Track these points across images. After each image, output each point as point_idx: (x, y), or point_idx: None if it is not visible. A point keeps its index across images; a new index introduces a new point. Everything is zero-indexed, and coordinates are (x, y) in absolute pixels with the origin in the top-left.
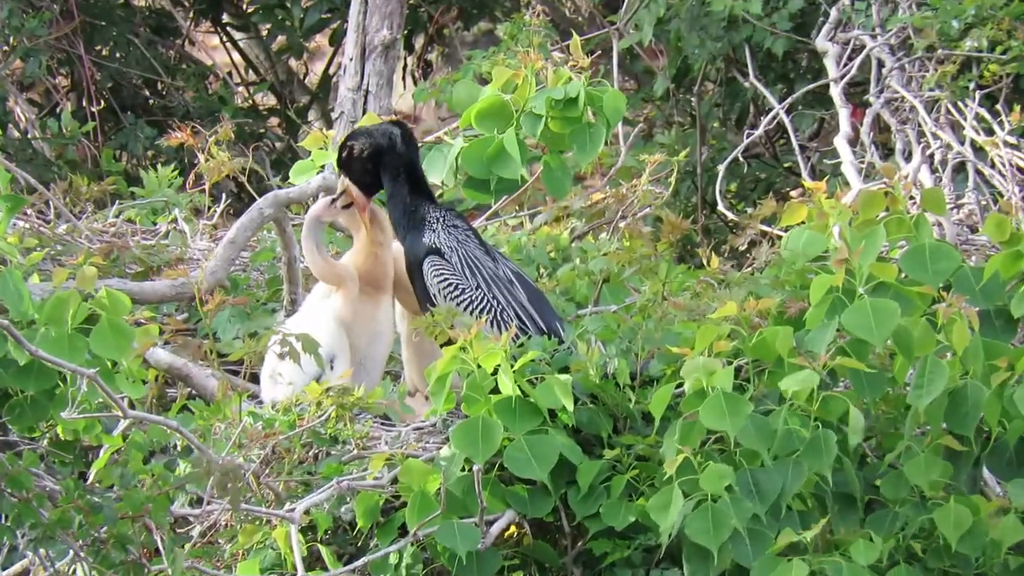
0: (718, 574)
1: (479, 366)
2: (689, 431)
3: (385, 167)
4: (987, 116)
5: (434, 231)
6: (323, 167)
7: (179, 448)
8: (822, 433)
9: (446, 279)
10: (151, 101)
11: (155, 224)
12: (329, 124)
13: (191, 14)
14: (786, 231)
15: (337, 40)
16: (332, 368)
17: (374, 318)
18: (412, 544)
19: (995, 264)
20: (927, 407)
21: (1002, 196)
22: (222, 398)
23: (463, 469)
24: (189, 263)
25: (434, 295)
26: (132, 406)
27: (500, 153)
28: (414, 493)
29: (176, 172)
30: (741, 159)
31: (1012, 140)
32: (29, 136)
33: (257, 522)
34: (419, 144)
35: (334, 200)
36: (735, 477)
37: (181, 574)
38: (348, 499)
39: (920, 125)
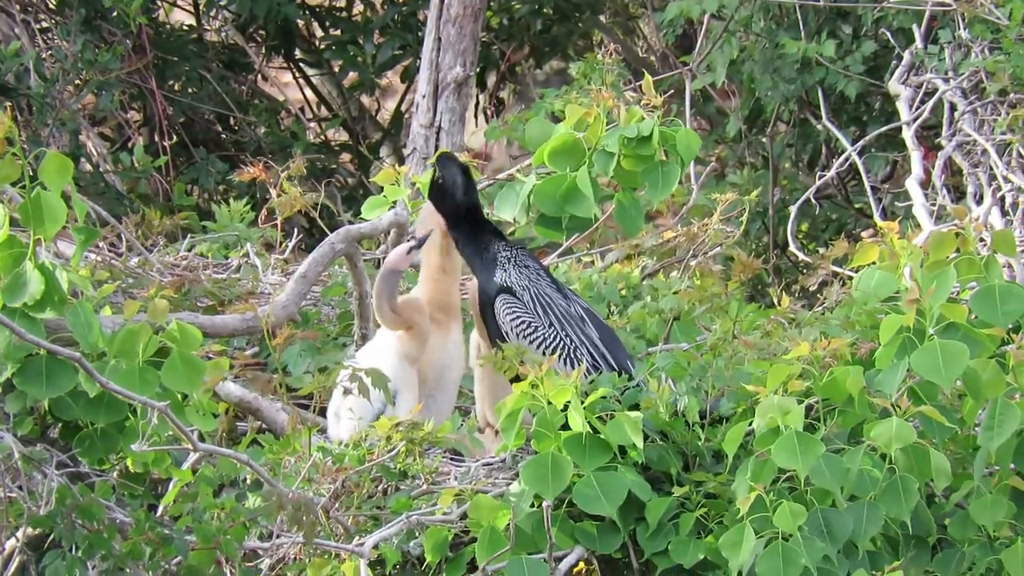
0: None
1: (549, 402)
2: (761, 469)
3: (448, 212)
4: None
5: (505, 270)
6: (395, 203)
7: (249, 481)
8: (901, 478)
9: (519, 317)
10: (223, 136)
11: (227, 258)
12: (401, 160)
13: (263, 50)
14: (857, 271)
15: (410, 77)
16: (395, 404)
17: (443, 347)
18: None
19: None
20: (997, 448)
21: None
22: (292, 432)
23: (532, 505)
24: (260, 297)
25: (507, 333)
26: (202, 439)
27: (573, 191)
28: (483, 529)
29: (248, 207)
30: (813, 200)
31: None
32: (101, 170)
33: (326, 556)
34: (478, 182)
35: (411, 249)
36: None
37: None
38: (417, 534)
39: (992, 168)
